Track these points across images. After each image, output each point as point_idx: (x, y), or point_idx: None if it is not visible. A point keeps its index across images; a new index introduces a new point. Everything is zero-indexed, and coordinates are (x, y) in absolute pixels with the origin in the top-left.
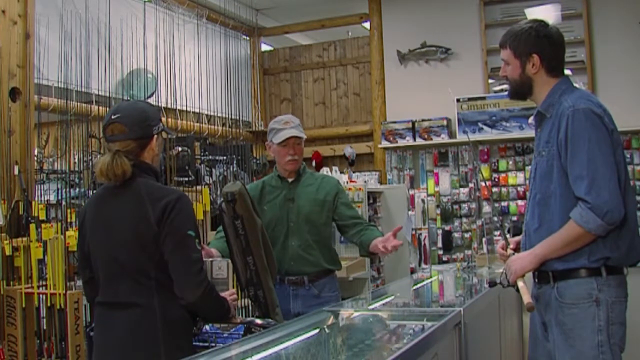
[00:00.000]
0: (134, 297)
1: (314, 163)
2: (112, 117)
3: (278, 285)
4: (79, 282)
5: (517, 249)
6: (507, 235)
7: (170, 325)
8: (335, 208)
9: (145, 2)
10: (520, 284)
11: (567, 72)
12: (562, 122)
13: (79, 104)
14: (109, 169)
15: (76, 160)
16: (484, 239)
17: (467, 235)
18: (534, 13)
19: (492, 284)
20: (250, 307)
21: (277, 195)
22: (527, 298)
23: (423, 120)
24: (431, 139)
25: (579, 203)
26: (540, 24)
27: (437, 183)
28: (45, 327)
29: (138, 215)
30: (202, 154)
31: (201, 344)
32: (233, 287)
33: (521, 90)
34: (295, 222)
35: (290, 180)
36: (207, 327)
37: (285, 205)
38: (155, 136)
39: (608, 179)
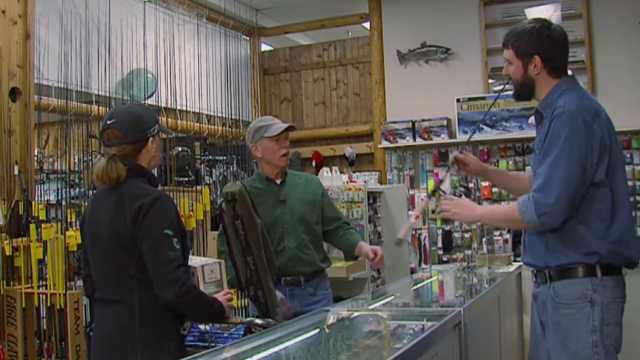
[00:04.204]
0: (117, 294)
1: (314, 163)
2: (108, 122)
3: (274, 286)
4: (79, 282)
5: (465, 163)
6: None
7: (149, 324)
8: (322, 207)
9: (145, 2)
10: (412, 219)
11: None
12: (552, 121)
13: (79, 104)
14: (104, 173)
15: (76, 160)
16: (484, 239)
17: (467, 235)
18: (534, 13)
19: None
20: (250, 307)
21: (267, 198)
22: (402, 233)
23: (423, 120)
24: (431, 139)
25: (530, 193)
26: (543, 24)
27: (437, 183)
28: (45, 327)
29: (117, 214)
30: (202, 154)
31: (201, 344)
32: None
33: (524, 90)
34: (290, 223)
35: (278, 181)
36: (207, 327)
37: (277, 208)
38: (151, 139)
39: (562, 184)
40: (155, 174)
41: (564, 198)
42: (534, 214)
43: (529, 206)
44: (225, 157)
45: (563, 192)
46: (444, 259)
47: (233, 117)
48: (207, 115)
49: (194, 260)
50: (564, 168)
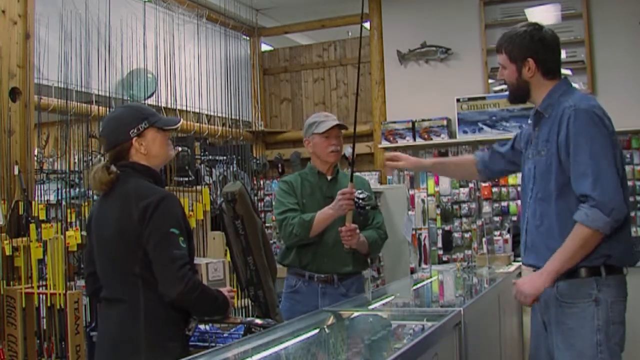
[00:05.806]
0: (122, 294)
1: None
2: (100, 131)
3: (307, 282)
4: (79, 282)
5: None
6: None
7: (153, 324)
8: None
9: (145, 2)
10: None
11: (567, 72)
12: (562, 122)
13: (79, 104)
14: (92, 182)
15: (76, 160)
16: (484, 239)
17: (467, 235)
18: (534, 13)
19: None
20: (250, 307)
21: (315, 192)
22: None
23: (423, 120)
24: (431, 139)
25: (581, 205)
26: (534, 27)
27: (437, 183)
28: (45, 327)
29: (123, 213)
30: (202, 154)
31: (201, 344)
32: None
33: (519, 94)
34: (334, 220)
35: (329, 177)
36: (207, 327)
37: (324, 203)
38: (135, 138)
39: (611, 177)
40: None
41: (619, 188)
42: (604, 216)
43: (593, 212)
44: (225, 157)
45: (616, 183)
46: (444, 259)
47: (233, 117)
48: (207, 115)
49: (199, 260)
50: (605, 161)
